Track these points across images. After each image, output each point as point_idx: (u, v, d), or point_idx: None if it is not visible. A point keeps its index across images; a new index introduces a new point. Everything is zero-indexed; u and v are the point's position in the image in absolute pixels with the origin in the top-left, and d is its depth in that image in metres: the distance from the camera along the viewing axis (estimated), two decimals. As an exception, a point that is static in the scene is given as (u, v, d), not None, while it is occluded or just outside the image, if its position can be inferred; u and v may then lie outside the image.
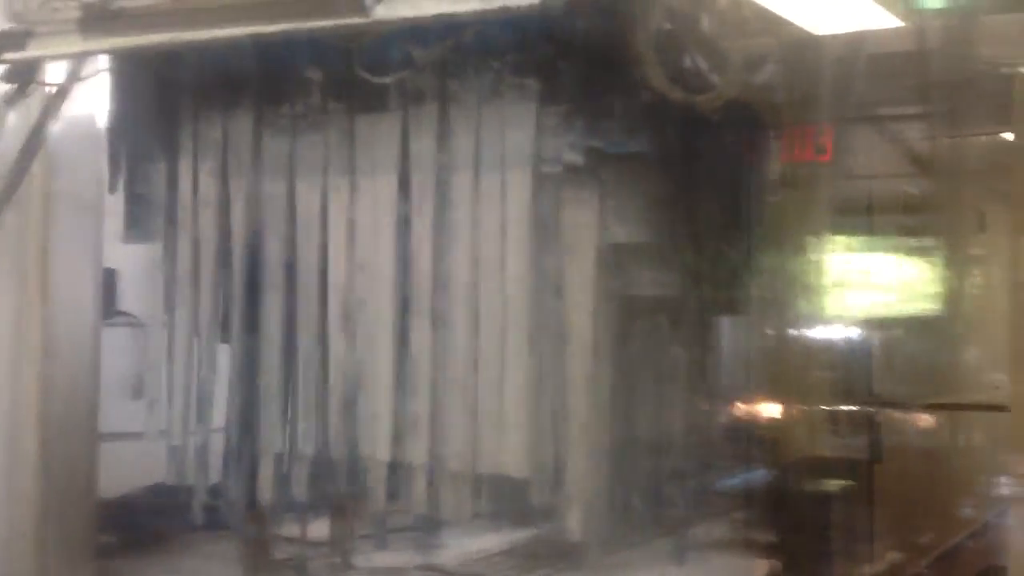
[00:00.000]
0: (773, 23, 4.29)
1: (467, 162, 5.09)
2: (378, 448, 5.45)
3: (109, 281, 7.47)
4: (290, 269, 5.61)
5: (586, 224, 5.01)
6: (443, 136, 5.13)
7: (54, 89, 5.80)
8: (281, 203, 5.57)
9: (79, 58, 5.54)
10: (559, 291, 5.06)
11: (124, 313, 8.09)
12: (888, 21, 4.22)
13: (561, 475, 5.11)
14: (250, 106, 5.55)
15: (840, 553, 5.36)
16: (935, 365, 5.10)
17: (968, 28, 4.46)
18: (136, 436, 6.83)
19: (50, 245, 6.43)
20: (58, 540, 6.61)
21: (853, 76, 4.66)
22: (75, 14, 4.81)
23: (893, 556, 5.40)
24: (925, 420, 5.25)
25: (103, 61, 5.81)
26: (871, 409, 5.27)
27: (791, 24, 4.29)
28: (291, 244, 5.59)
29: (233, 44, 5.03)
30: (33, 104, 5.89)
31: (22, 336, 6.42)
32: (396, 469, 5.46)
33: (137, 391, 8.02)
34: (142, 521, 7.55)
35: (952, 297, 4.93)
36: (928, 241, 5.08)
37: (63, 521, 6.61)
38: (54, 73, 5.83)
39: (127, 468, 7.50)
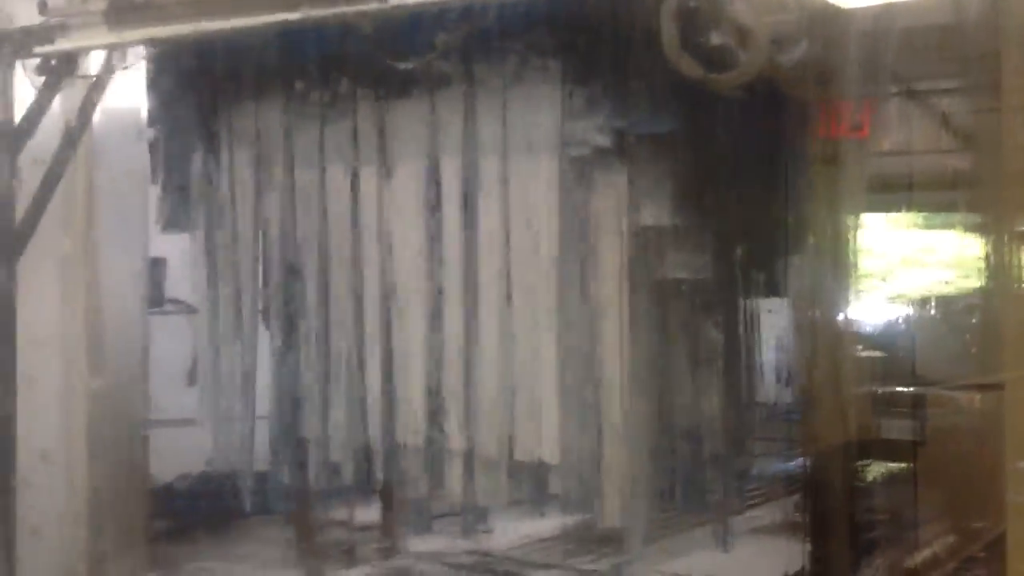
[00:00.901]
0: (800, -2, 4.17)
1: (494, 146, 5.05)
2: (416, 434, 5.45)
3: (158, 270, 7.57)
4: (325, 255, 5.62)
5: (616, 207, 4.93)
6: (469, 120, 5.09)
7: (92, 81, 5.87)
8: (314, 190, 5.59)
9: (111, 50, 5.60)
10: (590, 274, 5.00)
11: (175, 300, 8.20)
12: (918, -8, 4.10)
13: (597, 461, 5.07)
14: (280, 94, 5.57)
15: (884, 538, 5.25)
16: (980, 344, 4.95)
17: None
18: (192, 422, 6.93)
19: (95, 236, 6.53)
20: (112, 524, 6.72)
21: (887, 50, 4.53)
22: (102, 6, 4.84)
23: (940, 540, 5.28)
24: (969, 400, 5.10)
25: (140, 52, 5.87)
26: (914, 390, 5.14)
27: (819, -2, 4.17)
28: (324, 230, 5.60)
29: (261, 33, 5.05)
30: (72, 96, 5.98)
31: (69, 325, 6.52)
32: (434, 455, 5.46)
33: (190, 378, 8.15)
34: (194, 506, 7.67)
35: (997, 274, 4.77)
36: (970, 217, 4.92)
37: (116, 506, 6.72)
38: (92, 66, 5.91)
39: (182, 454, 7.61)
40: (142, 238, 6.78)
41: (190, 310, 8.04)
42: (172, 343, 7.88)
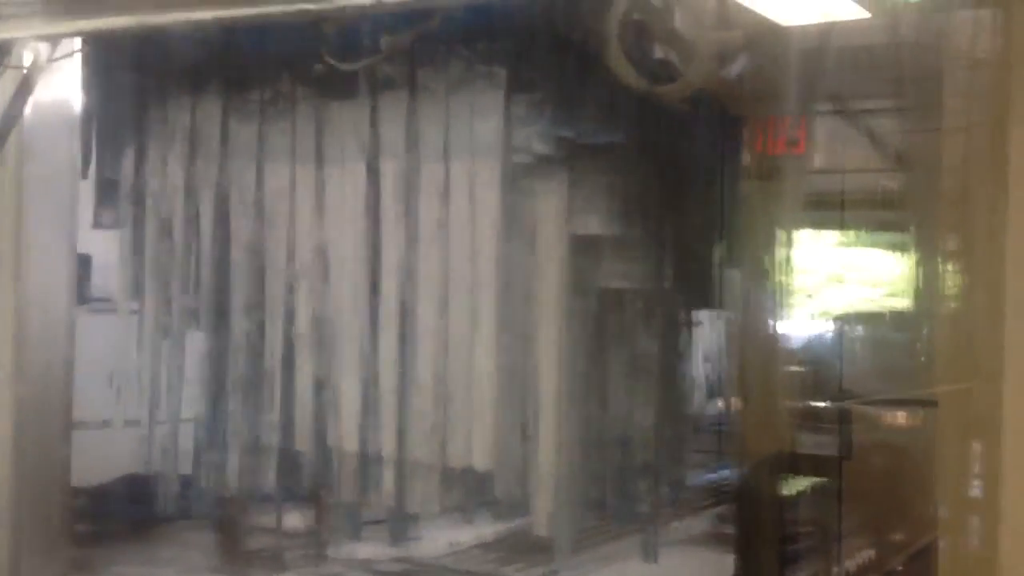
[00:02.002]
0: (743, 14, 4.23)
1: (435, 151, 5.05)
2: (347, 439, 5.42)
3: (84, 267, 7.42)
4: (258, 256, 5.58)
5: (555, 214, 4.97)
6: (411, 124, 5.08)
7: (24, 72, 5.74)
8: (250, 189, 5.54)
9: (48, 41, 5.49)
10: (528, 282, 5.02)
11: (99, 299, 8.05)
12: (858, 12, 4.17)
13: (529, 469, 5.08)
14: (219, 91, 5.52)
15: (809, 550, 5.33)
16: (906, 360, 5.05)
17: (939, 21, 4.40)
18: (111, 424, 6.81)
19: (23, 230, 6.38)
20: (33, 527, 6.57)
21: (824, 68, 4.61)
22: (41, -5, 4.75)
23: (862, 554, 5.36)
24: (894, 415, 5.20)
25: (75, 44, 5.76)
26: (841, 405, 5.23)
27: (761, 15, 4.23)
28: (259, 231, 5.55)
29: (202, 28, 4.99)
30: (4, 87, 5.85)
31: (-5, 323, 6.37)
32: (365, 461, 5.43)
33: (111, 378, 8.01)
34: (118, 509, 7.53)
35: (925, 292, 4.87)
36: (901, 235, 5.02)
37: (38, 508, 6.57)
38: (25, 57, 5.79)
39: (102, 456, 7.48)
40: (71, 235, 6.65)
41: (114, 309, 7.93)
42: (96, 343, 7.75)
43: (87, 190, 6.14)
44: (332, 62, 4.88)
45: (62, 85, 6.06)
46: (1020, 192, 3.80)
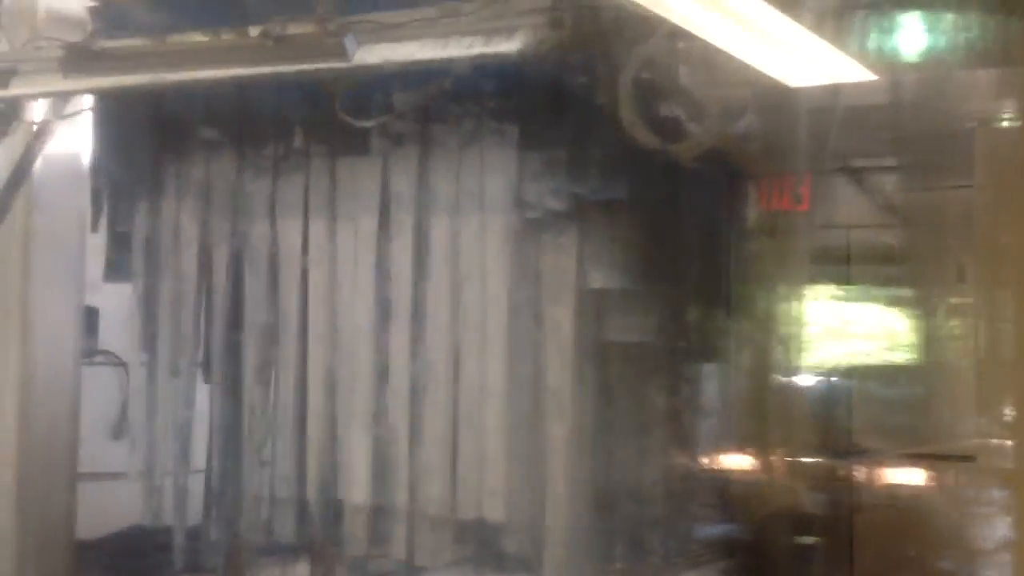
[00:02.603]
0: (750, 75, 4.31)
1: (447, 207, 5.12)
2: (357, 492, 5.45)
3: (91, 320, 7.45)
4: (270, 311, 5.62)
5: (565, 269, 5.03)
6: (423, 180, 5.16)
7: (36, 127, 5.82)
8: (262, 245, 5.60)
9: (62, 97, 5.56)
10: (538, 336, 5.07)
11: (105, 352, 8.07)
12: (862, 74, 4.26)
13: (540, 521, 5.10)
14: (232, 147, 5.58)
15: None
16: (914, 415, 5.10)
17: (941, 82, 4.50)
18: (115, 476, 6.80)
19: (31, 283, 6.42)
20: (35, 579, 6.56)
21: (829, 127, 4.70)
22: (58, 53, 4.82)
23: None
24: (904, 471, 5.24)
25: (87, 100, 5.84)
26: (850, 460, 5.27)
27: (768, 76, 4.32)
28: (271, 286, 5.61)
29: (215, 86, 5.07)
30: (16, 142, 5.91)
31: (2, 375, 6.39)
32: (375, 513, 5.45)
33: (117, 431, 8.02)
34: (120, 562, 7.50)
35: (929, 347, 4.94)
36: (906, 291, 5.10)
37: (41, 561, 6.56)
38: (37, 111, 5.86)
39: (106, 508, 7.47)
40: (78, 287, 6.69)
41: (119, 362, 7.94)
42: (100, 395, 7.76)
43: (97, 243, 6.18)
44: (347, 119, 4.94)
45: (70, 139, 6.13)
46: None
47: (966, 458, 4.52)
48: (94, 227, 6.17)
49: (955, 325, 4.95)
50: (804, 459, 5.13)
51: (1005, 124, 4.07)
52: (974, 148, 4.22)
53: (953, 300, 4.99)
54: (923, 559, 4.94)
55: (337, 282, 5.42)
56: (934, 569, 4.88)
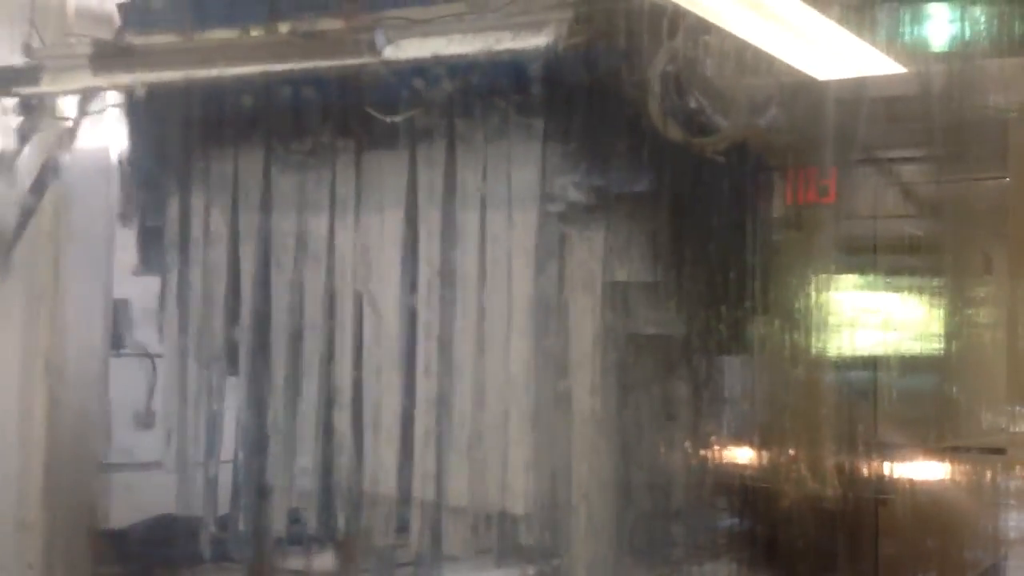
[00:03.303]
0: (777, 68, 4.33)
1: (473, 200, 5.14)
2: (382, 483, 5.48)
3: (120, 312, 7.53)
4: (298, 303, 5.66)
5: (591, 262, 5.04)
6: (450, 174, 5.18)
7: (67, 123, 5.88)
8: (290, 238, 5.63)
9: (91, 93, 5.62)
10: (563, 328, 5.09)
11: (134, 344, 8.14)
12: (890, 66, 4.27)
13: (563, 513, 5.13)
14: (261, 142, 5.62)
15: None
16: (940, 407, 5.11)
17: (969, 72, 4.50)
18: (143, 467, 6.87)
19: (61, 276, 6.50)
20: (64, 570, 6.64)
21: (856, 119, 4.70)
22: (87, 50, 4.87)
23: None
24: (929, 463, 5.25)
25: (116, 96, 5.89)
26: (875, 453, 5.27)
27: (795, 69, 4.33)
28: (299, 279, 5.64)
29: (245, 80, 5.11)
30: (47, 138, 5.98)
31: (31, 366, 6.47)
32: (399, 504, 5.49)
33: (145, 422, 8.09)
34: (147, 552, 7.57)
35: (957, 338, 4.94)
36: (933, 282, 5.10)
37: (69, 551, 6.64)
38: (67, 108, 5.92)
39: (134, 499, 7.54)
40: (107, 280, 6.77)
41: (146, 354, 8.01)
42: (130, 387, 7.83)
43: (129, 237, 6.24)
44: (374, 113, 4.98)
45: (100, 134, 6.20)
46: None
47: (996, 451, 4.53)
48: (124, 221, 6.22)
49: (983, 316, 4.95)
50: (829, 451, 5.14)
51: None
52: (1006, 139, 4.21)
53: (980, 291, 4.99)
54: (948, 553, 4.96)
55: (364, 276, 5.45)
56: (960, 563, 4.89)
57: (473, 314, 5.20)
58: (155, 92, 5.52)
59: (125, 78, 5.04)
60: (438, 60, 4.59)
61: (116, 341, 7.41)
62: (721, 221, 5.17)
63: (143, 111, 5.82)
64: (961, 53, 4.46)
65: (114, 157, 6.22)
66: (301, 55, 4.59)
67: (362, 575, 6.78)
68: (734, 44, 4.06)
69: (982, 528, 4.18)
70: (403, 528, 5.58)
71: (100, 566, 6.89)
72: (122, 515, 7.28)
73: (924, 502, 5.12)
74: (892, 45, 4.32)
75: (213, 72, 4.78)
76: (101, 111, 5.93)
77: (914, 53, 4.46)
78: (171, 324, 6.06)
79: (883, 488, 5.21)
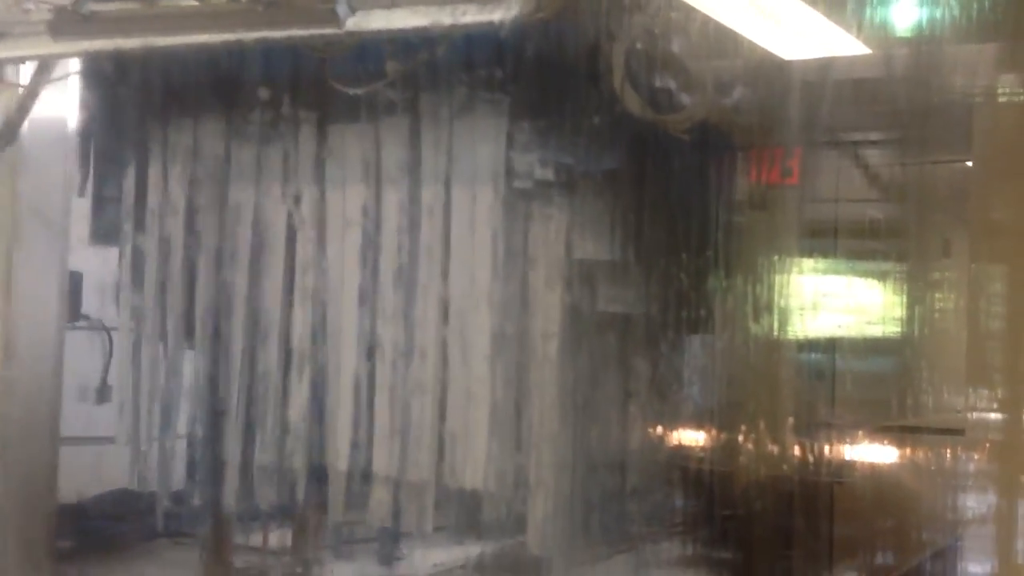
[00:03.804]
0: (743, 47, 4.32)
1: (437, 175, 5.10)
2: (340, 458, 5.45)
3: (74, 284, 7.43)
4: (255, 276, 5.60)
5: (554, 240, 5.03)
6: (413, 149, 5.13)
7: (23, 90, 5.77)
8: (248, 210, 5.57)
9: (49, 60, 5.52)
10: (525, 305, 5.08)
11: (88, 317, 8.05)
12: (856, 48, 4.27)
13: (523, 489, 5.12)
14: (220, 112, 5.54)
15: (798, 572, 5.39)
16: (897, 388, 5.15)
17: (933, 56, 4.51)
18: (97, 440, 6.80)
19: (15, 246, 6.39)
20: (17, 544, 6.55)
21: (820, 101, 4.71)
22: (46, 16, 4.77)
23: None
24: (888, 444, 5.29)
25: (74, 63, 5.79)
26: (834, 432, 5.31)
27: (761, 48, 4.33)
28: (257, 251, 5.58)
29: (205, 50, 5.02)
30: (3, 105, 5.87)
31: (-17, 338, 6.37)
32: (357, 480, 5.46)
33: (99, 395, 8.01)
34: (102, 526, 7.52)
35: (916, 321, 4.97)
36: (892, 265, 5.13)
37: (22, 525, 6.56)
38: (24, 74, 5.81)
39: (88, 473, 7.47)
40: (63, 252, 6.66)
41: (100, 326, 7.93)
42: (83, 360, 7.75)
43: (84, 207, 6.15)
44: (337, 86, 4.92)
45: (56, 103, 6.09)
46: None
47: (955, 432, 4.58)
48: (81, 191, 6.13)
49: (942, 299, 4.99)
50: (788, 431, 5.17)
51: (1004, 99, 4.08)
52: (970, 123, 4.23)
53: (939, 275, 5.03)
54: (904, 532, 5.00)
55: (323, 249, 5.40)
56: (914, 542, 4.94)
57: (435, 290, 5.17)
58: (114, 60, 5.44)
59: (85, 45, 4.94)
60: (402, 32, 4.52)
61: (72, 314, 7.31)
62: (683, 199, 5.17)
63: (101, 79, 5.73)
64: (927, 37, 4.47)
65: (72, 126, 6.11)
66: (263, 24, 4.51)
67: (320, 551, 6.78)
68: (700, 22, 4.04)
69: (939, 509, 4.22)
70: (362, 504, 5.56)
71: (57, 540, 6.82)
72: (78, 489, 7.21)
73: (882, 483, 5.17)
74: (859, 27, 4.32)
75: (173, 40, 4.70)
76: (60, 79, 5.82)
77: (880, 35, 4.46)
78: (126, 297, 5.97)
79: (840, 469, 5.25)
